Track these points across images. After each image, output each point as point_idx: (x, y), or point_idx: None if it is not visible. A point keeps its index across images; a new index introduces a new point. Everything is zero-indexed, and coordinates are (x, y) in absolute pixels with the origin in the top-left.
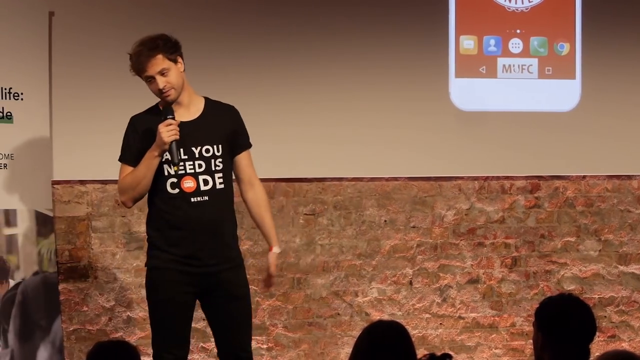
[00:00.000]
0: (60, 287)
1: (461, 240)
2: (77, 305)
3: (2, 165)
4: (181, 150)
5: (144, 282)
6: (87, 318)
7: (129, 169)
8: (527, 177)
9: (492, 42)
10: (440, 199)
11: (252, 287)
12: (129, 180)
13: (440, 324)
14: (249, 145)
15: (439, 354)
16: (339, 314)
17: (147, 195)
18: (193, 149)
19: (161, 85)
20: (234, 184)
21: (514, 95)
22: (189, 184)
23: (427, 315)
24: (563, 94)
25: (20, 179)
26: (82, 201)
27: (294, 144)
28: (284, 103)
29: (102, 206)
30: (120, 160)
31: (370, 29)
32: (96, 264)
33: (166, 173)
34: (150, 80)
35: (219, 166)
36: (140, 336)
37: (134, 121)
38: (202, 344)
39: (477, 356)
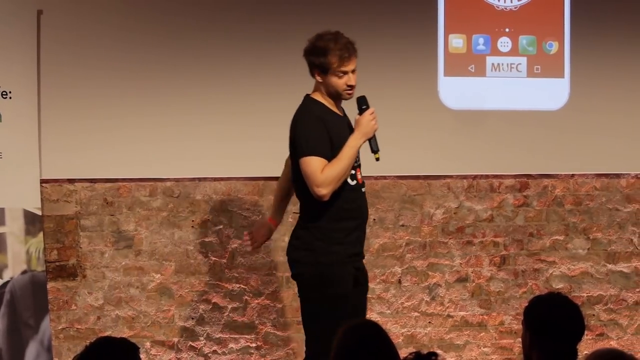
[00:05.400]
0: (49, 285)
1: (450, 238)
2: (65, 304)
3: None
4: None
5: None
6: (76, 317)
7: (324, 162)
8: (515, 176)
9: (481, 40)
10: (429, 198)
11: (240, 286)
12: (337, 171)
13: (429, 322)
14: None
15: (425, 352)
16: None
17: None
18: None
19: (354, 82)
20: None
21: (503, 94)
22: (359, 176)
23: (416, 314)
24: (552, 93)
25: (8, 178)
26: (70, 200)
27: (284, 143)
28: (274, 101)
29: (90, 205)
30: (313, 154)
31: (359, 27)
32: (85, 262)
33: None
34: (342, 74)
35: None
36: (128, 335)
37: (319, 115)
38: (191, 342)
39: (465, 355)
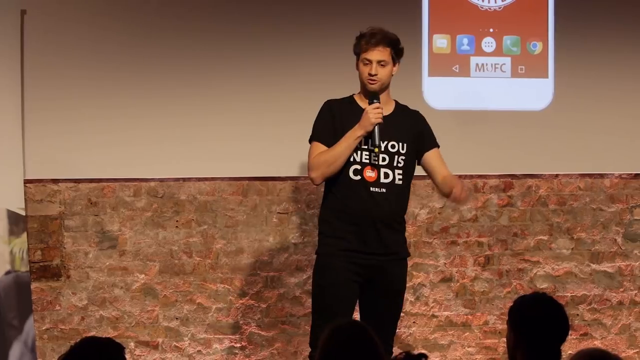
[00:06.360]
0: (33, 286)
1: (434, 238)
2: (49, 304)
3: None
4: (369, 140)
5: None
6: (60, 317)
7: (322, 147)
8: (500, 176)
9: (465, 41)
10: (414, 198)
11: (225, 286)
12: (327, 157)
13: (414, 322)
14: (437, 145)
15: (416, 352)
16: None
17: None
18: (380, 142)
19: (373, 72)
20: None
21: (487, 94)
22: (370, 174)
23: (401, 314)
24: (536, 93)
25: None
26: (54, 200)
27: (268, 143)
28: (259, 102)
29: (74, 205)
30: (313, 139)
31: (344, 27)
32: (69, 263)
33: (351, 159)
34: (367, 61)
35: (400, 163)
36: (112, 335)
37: (331, 104)
38: (175, 342)
39: (450, 354)
